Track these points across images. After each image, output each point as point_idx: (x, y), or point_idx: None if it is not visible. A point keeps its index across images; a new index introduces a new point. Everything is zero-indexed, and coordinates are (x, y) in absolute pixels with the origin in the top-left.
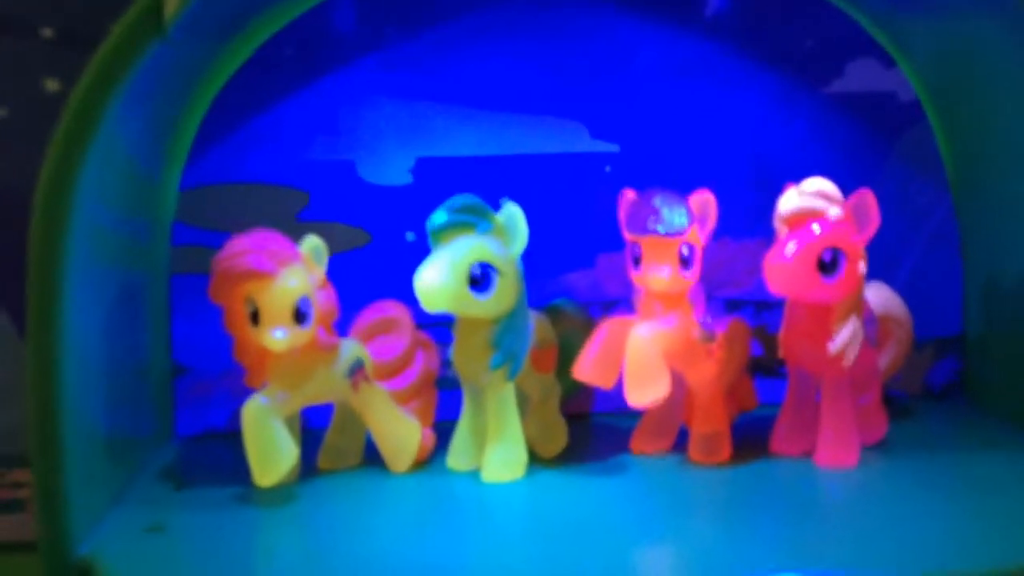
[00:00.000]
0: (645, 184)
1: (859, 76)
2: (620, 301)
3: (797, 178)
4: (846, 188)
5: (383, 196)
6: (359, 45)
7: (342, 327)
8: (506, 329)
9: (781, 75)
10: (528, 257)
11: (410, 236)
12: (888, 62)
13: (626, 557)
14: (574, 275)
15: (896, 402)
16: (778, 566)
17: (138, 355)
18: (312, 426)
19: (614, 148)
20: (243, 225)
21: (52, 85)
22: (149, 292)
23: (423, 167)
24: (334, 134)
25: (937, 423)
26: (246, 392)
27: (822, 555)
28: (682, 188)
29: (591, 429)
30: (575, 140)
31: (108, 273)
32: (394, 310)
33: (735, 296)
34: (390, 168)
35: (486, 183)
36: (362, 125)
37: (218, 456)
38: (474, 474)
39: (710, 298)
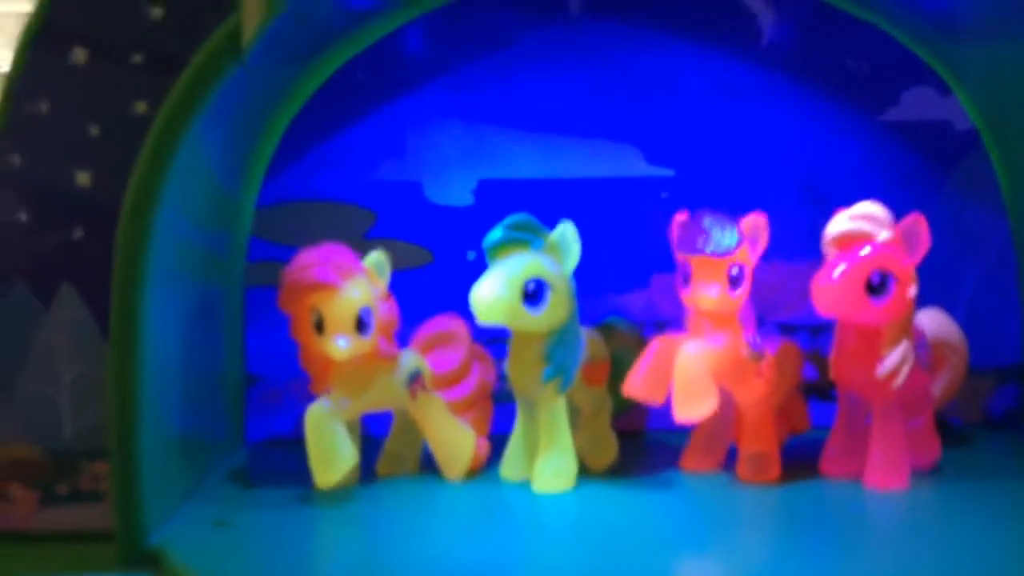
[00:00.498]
0: (704, 208)
1: (915, 104)
2: (673, 321)
3: (851, 204)
4: (901, 216)
5: (446, 216)
6: (426, 70)
7: (403, 339)
8: (558, 343)
9: (836, 102)
10: (585, 276)
11: (471, 255)
12: (944, 90)
13: (671, 569)
14: (630, 295)
15: (954, 430)
16: None
17: (214, 363)
18: (373, 434)
19: (669, 173)
20: (314, 241)
21: (140, 107)
22: (225, 304)
23: (485, 188)
24: (401, 156)
25: (994, 451)
26: (312, 399)
27: (859, 573)
28: (736, 212)
29: (644, 445)
30: (632, 164)
31: (188, 284)
32: (452, 324)
33: (789, 320)
34: (454, 189)
35: (545, 205)
36: (428, 147)
37: (285, 461)
38: (526, 484)
39: (763, 321)
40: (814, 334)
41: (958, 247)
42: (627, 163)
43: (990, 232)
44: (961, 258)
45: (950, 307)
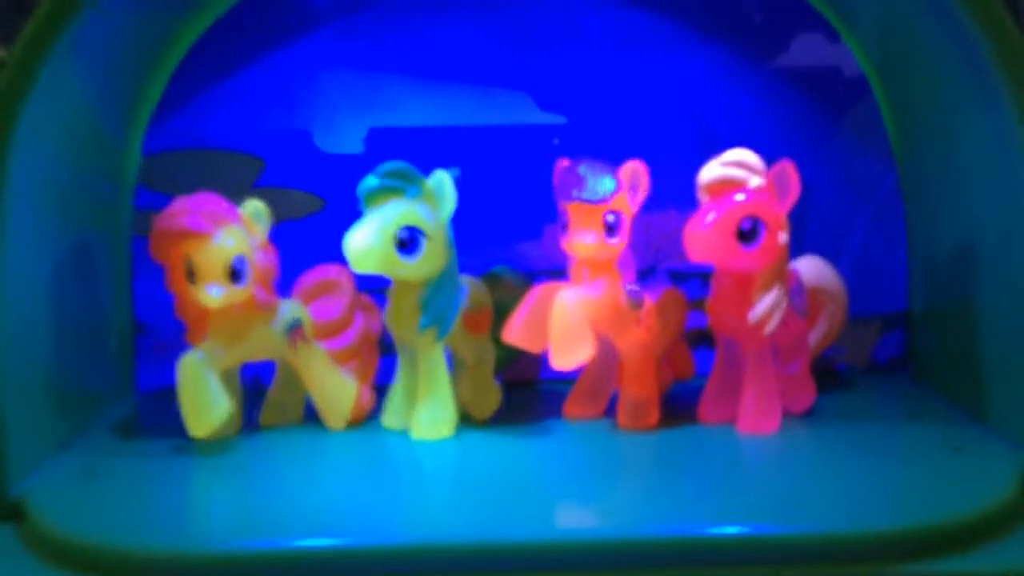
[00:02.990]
0: (593, 156)
1: (804, 51)
2: (566, 270)
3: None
4: (795, 162)
5: (337, 164)
6: (316, 15)
7: (290, 288)
8: (435, 292)
9: (728, 49)
10: (477, 226)
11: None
12: (833, 36)
13: (547, 509)
14: (523, 244)
15: (840, 375)
16: (688, 520)
17: (96, 313)
18: (265, 384)
19: (561, 120)
20: (202, 190)
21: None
22: (111, 252)
23: (375, 137)
24: (290, 103)
25: (876, 395)
26: None
27: (728, 510)
28: (628, 159)
29: (533, 395)
30: (523, 111)
31: (61, 231)
32: (335, 273)
33: (681, 268)
34: (344, 137)
35: (436, 153)
36: (318, 95)
37: (173, 411)
38: (405, 432)
39: (656, 270)
40: (705, 282)
41: (847, 194)
42: (519, 111)
43: (878, 179)
44: (850, 205)
45: (839, 254)
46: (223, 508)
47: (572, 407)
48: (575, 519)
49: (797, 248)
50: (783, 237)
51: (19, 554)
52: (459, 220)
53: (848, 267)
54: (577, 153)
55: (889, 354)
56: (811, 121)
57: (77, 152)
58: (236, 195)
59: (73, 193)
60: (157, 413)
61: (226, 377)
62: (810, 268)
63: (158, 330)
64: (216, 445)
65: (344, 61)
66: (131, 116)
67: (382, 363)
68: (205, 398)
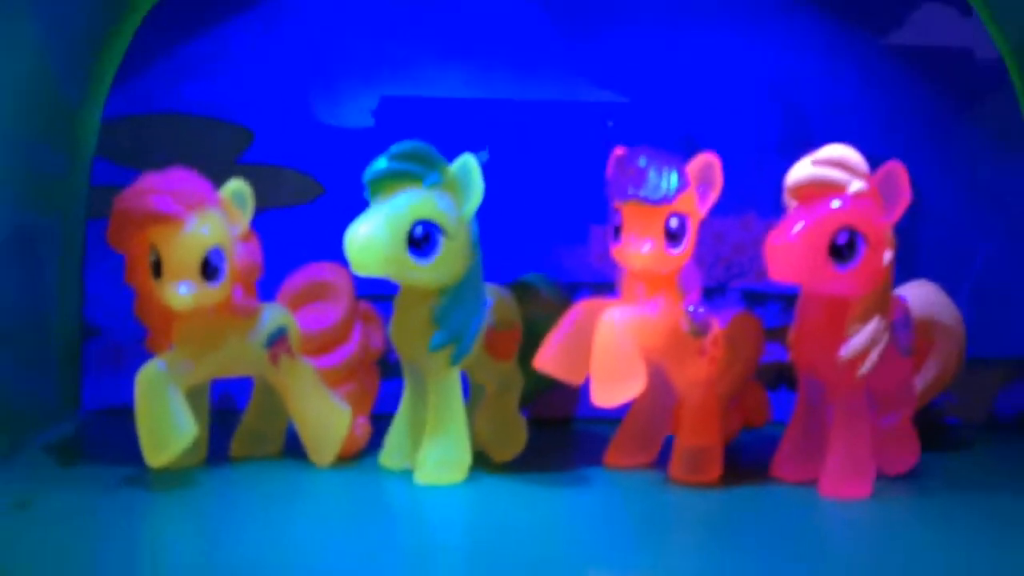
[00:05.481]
0: (655, 144)
1: (927, 26)
2: (615, 283)
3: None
4: (908, 164)
5: (340, 140)
6: None
7: (272, 290)
8: (452, 303)
9: (829, 20)
10: (508, 224)
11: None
12: (964, 9)
13: None
14: (563, 250)
15: (951, 431)
16: None
17: (38, 310)
18: (238, 407)
19: (621, 99)
20: (174, 165)
21: None
22: (59, 237)
23: (388, 108)
24: (286, 63)
25: (994, 457)
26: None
27: None
28: (698, 151)
29: (569, 436)
30: (572, 86)
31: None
32: (331, 274)
33: (758, 288)
34: (349, 107)
35: (464, 131)
36: (319, 54)
37: (124, 434)
38: (408, 474)
39: (725, 288)
40: (789, 306)
41: (971, 206)
42: (568, 85)
43: (1012, 189)
44: (974, 220)
45: (957, 281)
46: (177, 557)
47: (615, 454)
48: None
49: (905, 271)
50: (887, 256)
51: None
52: (486, 216)
53: (967, 298)
54: (636, 140)
55: (1015, 408)
56: (930, 114)
57: (19, 112)
58: (216, 173)
59: (17, 165)
60: (106, 434)
61: (192, 395)
62: (920, 297)
63: (112, 334)
64: (175, 477)
65: (352, 14)
66: (91, 72)
67: (383, 388)
68: (166, 419)
